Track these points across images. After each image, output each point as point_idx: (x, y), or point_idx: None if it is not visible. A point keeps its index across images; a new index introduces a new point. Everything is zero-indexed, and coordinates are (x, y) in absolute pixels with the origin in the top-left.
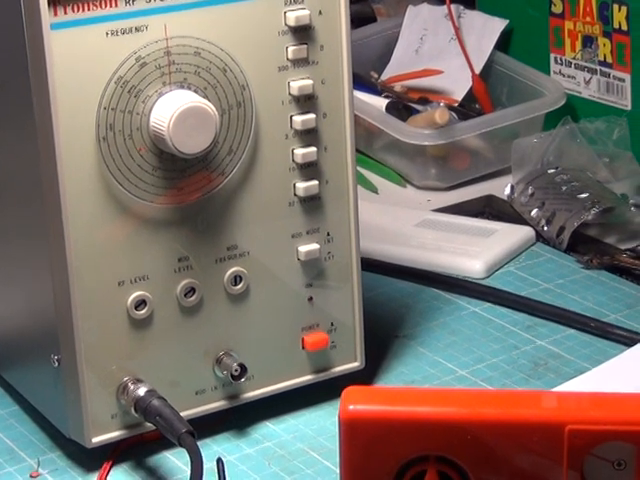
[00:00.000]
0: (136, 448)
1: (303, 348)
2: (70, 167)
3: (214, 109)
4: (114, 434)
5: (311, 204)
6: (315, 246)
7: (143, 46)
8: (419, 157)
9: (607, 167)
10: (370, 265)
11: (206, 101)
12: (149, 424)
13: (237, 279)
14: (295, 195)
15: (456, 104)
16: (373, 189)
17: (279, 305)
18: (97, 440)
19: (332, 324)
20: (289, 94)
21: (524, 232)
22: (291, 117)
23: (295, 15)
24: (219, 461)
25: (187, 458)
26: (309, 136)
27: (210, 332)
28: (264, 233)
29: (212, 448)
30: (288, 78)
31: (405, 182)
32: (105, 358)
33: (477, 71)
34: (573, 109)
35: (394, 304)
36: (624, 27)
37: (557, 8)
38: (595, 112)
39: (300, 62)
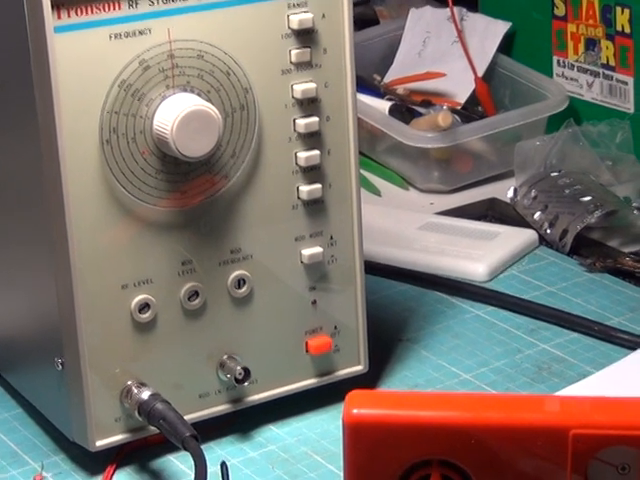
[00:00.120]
0: (140, 451)
1: (307, 351)
2: (73, 170)
3: (217, 112)
4: (118, 437)
5: (314, 207)
6: (318, 249)
7: (146, 49)
8: (422, 160)
9: (610, 170)
10: (373, 268)
11: (209, 104)
12: (153, 427)
13: (241, 282)
14: (298, 198)
15: (459, 107)
16: (376, 192)
17: (282, 308)
18: (101, 443)
19: (336, 327)
20: (292, 97)
21: (527, 235)
22: (294, 120)
23: (298, 18)
24: (223, 464)
25: (191, 462)
26: (312, 139)
27: (214, 335)
28: (267, 236)
29: (216, 451)
30: (291, 81)
31: (408, 185)
32: (109, 361)
33: (480, 74)
34: (576, 112)
35: (397, 307)
36: (627, 30)
37: (560, 11)
38: (598, 115)
39: (303, 65)
